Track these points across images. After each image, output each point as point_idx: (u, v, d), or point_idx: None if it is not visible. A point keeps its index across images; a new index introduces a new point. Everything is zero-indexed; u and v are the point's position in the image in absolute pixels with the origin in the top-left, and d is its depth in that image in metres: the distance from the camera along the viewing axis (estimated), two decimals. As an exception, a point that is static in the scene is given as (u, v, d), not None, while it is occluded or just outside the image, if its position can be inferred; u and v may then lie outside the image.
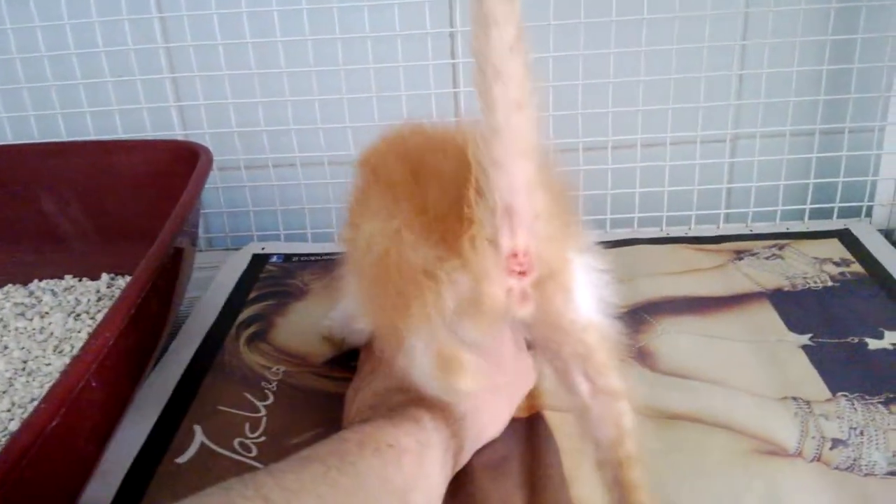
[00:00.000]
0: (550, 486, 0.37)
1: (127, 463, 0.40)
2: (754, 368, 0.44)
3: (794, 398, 0.41)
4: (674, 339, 0.47)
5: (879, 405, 0.41)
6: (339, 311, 0.48)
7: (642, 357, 0.46)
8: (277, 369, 0.47)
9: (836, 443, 0.38)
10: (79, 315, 0.52)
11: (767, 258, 0.56)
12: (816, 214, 0.62)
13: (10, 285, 0.57)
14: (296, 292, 0.56)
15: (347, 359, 0.48)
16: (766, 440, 0.38)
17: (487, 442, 0.39)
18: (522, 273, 0.29)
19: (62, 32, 0.61)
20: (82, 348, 0.34)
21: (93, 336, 0.34)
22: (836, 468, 0.37)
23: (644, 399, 0.41)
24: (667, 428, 0.40)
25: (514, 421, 0.41)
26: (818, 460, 0.37)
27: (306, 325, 0.52)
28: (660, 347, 0.46)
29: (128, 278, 0.57)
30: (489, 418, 0.39)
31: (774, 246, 0.58)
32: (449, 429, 0.36)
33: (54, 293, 0.55)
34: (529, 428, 0.41)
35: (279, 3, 0.59)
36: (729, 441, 0.39)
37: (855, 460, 0.37)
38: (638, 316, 0.50)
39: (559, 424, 0.41)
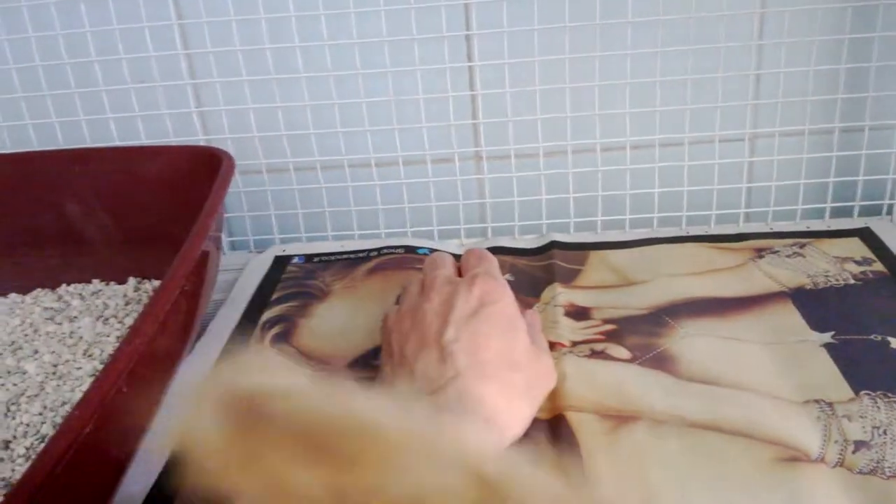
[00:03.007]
0: (571, 485, 0.37)
1: (157, 469, 0.41)
2: (777, 371, 0.44)
3: (817, 401, 0.41)
4: (696, 342, 0.47)
5: (902, 404, 0.41)
6: None
7: (663, 362, 0.46)
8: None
9: (858, 445, 0.38)
10: (107, 319, 0.53)
11: (789, 256, 0.56)
12: (837, 213, 0.62)
13: (38, 290, 0.58)
14: (318, 293, 0.57)
15: (370, 359, 0.48)
16: (788, 447, 0.38)
17: (510, 444, 0.39)
18: None
19: (83, 40, 0.62)
20: (114, 354, 0.35)
21: (124, 342, 0.35)
22: (860, 472, 0.37)
23: (665, 407, 0.42)
24: (688, 436, 0.40)
25: (536, 422, 0.41)
26: (841, 465, 0.37)
27: (329, 327, 0.53)
28: (682, 351, 0.46)
29: (154, 282, 0.58)
30: (510, 419, 0.39)
31: (796, 244, 0.58)
32: (472, 434, 0.36)
33: (82, 297, 0.56)
34: (551, 429, 0.41)
35: (296, 8, 0.59)
36: (751, 449, 0.39)
37: (878, 463, 0.37)
38: (659, 318, 0.50)
39: (582, 425, 0.41)
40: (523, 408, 0.40)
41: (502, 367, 0.40)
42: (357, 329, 0.52)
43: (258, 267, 0.62)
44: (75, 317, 0.54)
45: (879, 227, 0.59)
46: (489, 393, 0.38)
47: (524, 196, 0.64)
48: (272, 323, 0.53)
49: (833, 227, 0.61)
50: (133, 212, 0.58)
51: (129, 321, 0.53)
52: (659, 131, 0.61)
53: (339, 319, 0.53)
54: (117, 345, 0.42)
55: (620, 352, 0.47)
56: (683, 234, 0.62)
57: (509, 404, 0.39)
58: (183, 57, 0.63)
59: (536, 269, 0.58)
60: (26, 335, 0.52)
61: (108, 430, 0.34)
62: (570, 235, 0.63)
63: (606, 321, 0.50)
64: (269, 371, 0.28)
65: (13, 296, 0.58)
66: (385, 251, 0.62)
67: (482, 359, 0.40)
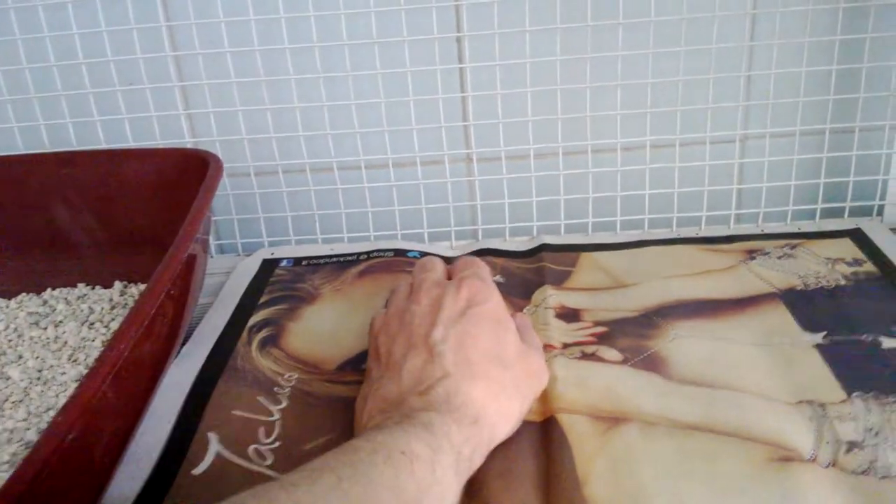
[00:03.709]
0: (563, 487, 0.37)
1: (144, 474, 0.40)
2: (769, 373, 0.44)
3: (809, 402, 0.41)
4: (687, 344, 0.47)
5: (895, 405, 0.40)
6: None
7: (654, 363, 0.46)
8: (290, 376, 0.47)
9: (851, 446, 0.38)
10: (92, 324, 0.52)
11: (780, 258, 0.56)
12: (828, 214, 0.62)
13: (23, 294, 0.58)
14: (306, 297, 0.56)
15: (359, 362, 0.48)
16: (780, 447, 0.38)
17: (501, 443, 0.39)
18: None
19: (71, 42, 0.61)
20: (98, 359, 0.34)
21: (108, 347, 0.35)
22: (852, 472, 0.36)
23: (657, 409, 0.42)
24: (680, 437, 0.40)
25: (527, 424, 0.41)
26: (833, 466, 0.37)
27: (317, 330, 0.52)
28: (672, 353, 0.46)
29: (140, 286, 0.57)
30: (499, 417, 0.39)
31: (786, 246, 0.58)
32: (461, 433, 0.36)
33: (68, 301, 0.56)
34: (543, 431, 0.41)
35: (286, 10, 0.59)
36: (743, 450, 0.38)
37: (871, 463, 0.37)
38: (650, 320, 0.50)
39: (573, 427, 0.41)
40: (513, 407, 0.40)
41: (491, 367, 0.40)
42: (346, 332, 0.51)
43: (246, 270, 0.61)
44: (60, 321, 0.53)
45: (870, 228, 0.59)
46: (478, 392, 0.38)
47: (515, 198, 0.63)
48: (260, 327, 0.53)
49: (824, 229, 0.60)
50: (120, 215, 0.58)
51: (114, 326, 0.52)
52: (650, 133, 0.61)
53: (327, 323, 0.53)
54: (102, 349, 0.42)
55: (611, 354, 0.47)
56: (674, 236, 0.62)
57: (498, 403, 0.39)
58: (171, 59, 0.63)
59: (527, 272, 0.58)
60: (10, 340, 0.51)
61: (93, 435, 0.34)
62: (561, 237, 0.63)
63: (597, 323, 0.50)
64: None
65: (-2, 300, 0.58)
66: (374, 254, 0.61)
67: (470, 358, 0.39)
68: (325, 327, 0.52)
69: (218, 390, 0.46)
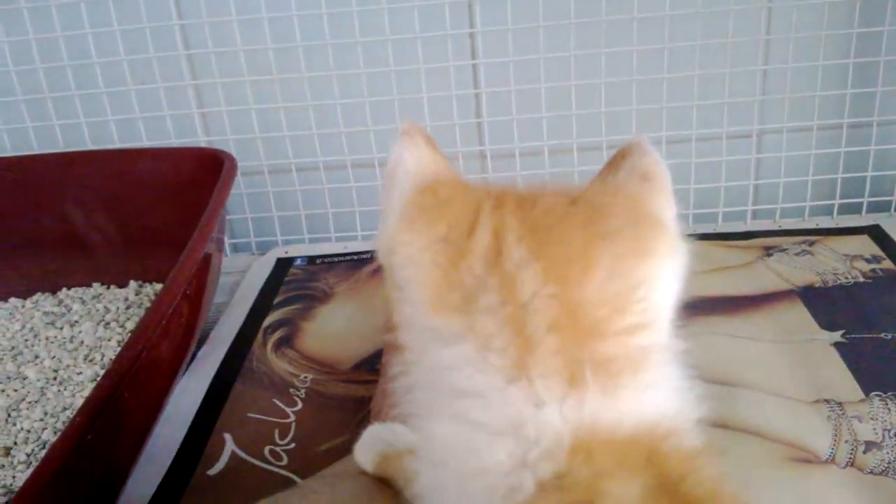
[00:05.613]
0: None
1: (160, 475, 0.40)
2: (787, 370, 0.44)
3: (827, 401, 0.41)
4: (705, 341, 0.47)
5: (915, 405, 0.40)
6: None
7: None
8: (305, 377, 0.47)
9: (869, 445, 0.37)
10: (108, 323, 0.53)
11: (797, 254, 0.55)
12: (845, 209, 0.62)
13: (38, 294, 0.58)
14: (321, 296, 0.56)
15: (374, 361, 0.48)
16: (798, 447, 0.38)
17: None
18: None
19: (84, 41, 0.61)
20: (115, 360, 0.34)
21: (125, 347, 0.35)
22: (870, 472, 0.36)
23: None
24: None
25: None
26: (851, 465, 0.36)
27: (332, 330, 0.52)
28: (690, 350, 0.46)
29: (155, 285, 0.57)
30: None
31: (804, 242, 0.57)
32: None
33: (83, 301, 0.56)
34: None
35: (299, 7, 0.59)
36: (761, 449, 0.38)
37: (889, 463, 0.36)
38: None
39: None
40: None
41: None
42: (361, 331, 0.51)
43: (260, 270, 0.61)
44: (76, 321, 0.53)
45: (888, 224, 0.59)
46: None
47: (529, 195, 0.63)
48: (275, 327, 0.53)
49: (841, 225, 0.60)
50: (134, 214, 0.58)
51: (130, 325, 0.52)
52: (665, 128, 0.60)
53: (342, 322, 0.53)
54: (119, 349, 0.42)
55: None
56: (691, 232, 0.61)
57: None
58: (184, 58, 0.63)
59: (542, 269, 0.57)
60: (27, 340, 0.52)
61: (111, 435, 0.34)
62: (576, 234, 0.62)
63: (613, 321, 0.49)
64: None
65: (13, 300, 0.58)
66: (389, 252, 0.61)
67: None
68: (339, 327, 0.52)
69: (234, 393, 0.46)
